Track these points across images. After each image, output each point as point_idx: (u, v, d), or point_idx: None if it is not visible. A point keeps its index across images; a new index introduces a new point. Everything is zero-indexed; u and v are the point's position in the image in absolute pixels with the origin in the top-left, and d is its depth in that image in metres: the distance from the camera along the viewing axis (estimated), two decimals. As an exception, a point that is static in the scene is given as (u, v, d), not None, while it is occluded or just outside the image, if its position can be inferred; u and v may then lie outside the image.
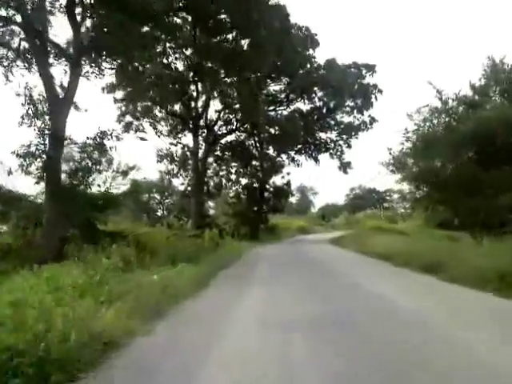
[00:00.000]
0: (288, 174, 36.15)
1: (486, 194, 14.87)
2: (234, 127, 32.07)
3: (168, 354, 4.02)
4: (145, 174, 47.01)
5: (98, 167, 13.58)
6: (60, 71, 13.84)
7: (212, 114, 30.24)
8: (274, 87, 32.85)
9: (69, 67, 13.17)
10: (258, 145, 35.63)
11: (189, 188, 31.32)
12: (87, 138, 13.41)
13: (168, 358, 3.93)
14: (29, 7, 12.67)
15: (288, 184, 36.48)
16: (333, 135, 34.42)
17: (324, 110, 33.43)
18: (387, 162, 19.58)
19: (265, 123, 29.37)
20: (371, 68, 31.63)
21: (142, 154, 73.46)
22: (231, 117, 31.04)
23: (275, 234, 36.67)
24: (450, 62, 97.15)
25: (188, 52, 24.99)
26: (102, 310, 4.55)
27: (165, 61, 24.50)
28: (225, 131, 32.18)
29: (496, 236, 14.46)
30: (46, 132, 12.52)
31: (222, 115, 30.51)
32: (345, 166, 34.19)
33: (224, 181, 35.29)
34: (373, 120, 32.90)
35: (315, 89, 31.83)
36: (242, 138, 34.65)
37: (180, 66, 25.90)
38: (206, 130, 29.86)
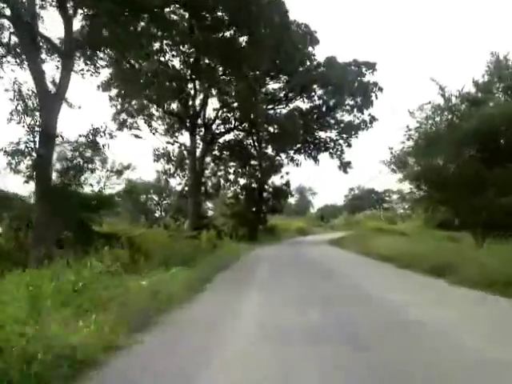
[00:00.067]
0: (287, 173, 35.76)
1: (489, 193, 14.58)
2: (232, 126, 31.62)
3: (153, 375, 3.51)
4: (142, 175, 46.57)
5: (90, 166, 13.08)
6: (52, 67, 13.24)
7: (210, 112, 29.88)
8: (272, 85, 32.50)
9: (60, 62, 12.65)
10: (256, 144, 35.17)
11: (186, 188, 30.81)
12: (79, 135, 12.93)
13: (152, 379, 3.44)
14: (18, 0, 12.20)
15: (287, 184, 35.99)
16: (333, 134, 34.08)
17: (324, 109, 32.99)
18: (389, 161, 19.24)
19: (263, 122, 28.93)
20: (371, 66, 31.23)
21: (140, 155, 73.10)
22: (229, 115, 30.57)
23: (274, 235, 36.21)
24: (452, 59, 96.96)
25: (185, 49, 24.52)
26: (83, 321, 4.05)
27: (162, 59, 24.03)
28: (223, 130, 31.75)
29: (498, 237, 14.23)
30: (37, 129, 12.00)
31: (220, 114, 30.06)
32: (345, 166, 33.79)
33: (222, 181, 34.84)
34: (373, 119, 32.54)
35: (315, 87, 31.40)
36: (240, 137, 34.21)
37: (177, 63, 25.48)
38: (203, 129, 29.40)
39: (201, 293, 7.75)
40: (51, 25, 13.55)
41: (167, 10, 21.66)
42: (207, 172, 33.44)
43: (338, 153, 33.87)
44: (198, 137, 28.63)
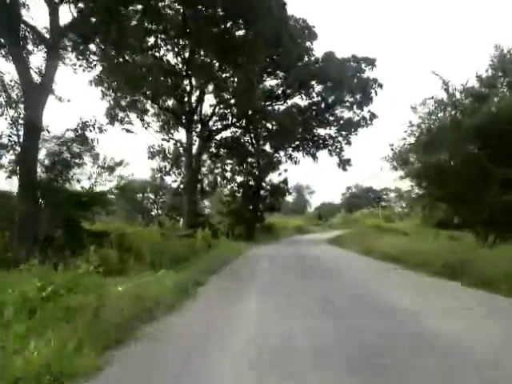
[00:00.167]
0: (285, 170, 35.14)
1: (492, 191, 14.16)
2: (229, 122, 30.95)
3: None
4: (137, 173, 45.83)
5: (78, 161, 12.40)
6: (40, 58, 12.50)
7: (206, 108, 29.21)
8: (270, 82, 31.84)
9: (46, 50, 11.97)
10: (254, 141, 34.57)
11: (181, 186, 30.16)
12: (67, 129, 12.27)
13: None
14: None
15: (285, 181, 35.36)
16: (332, 131, 33.47)
17: (322, 106, 32.37)
18: (390, 157, 18.71)
19: (262, 117, 28.32)
20: (371, 62, 30.62)
21: (135, 152, 72.29)
22: (226, 112, 29.91)
23: (272, 234, 35.65)
24: (453, 52, 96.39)
25: (180, 43, 23.88)
26: (43, 337, 3.42)
27: (156, 54, 23.39)
28: (220, 127, 31.11)
29: (501, 236, 13.76)
30: (21, 122, 11.34)
31: (216, 110, 29.39)
32: (344, 163, 33.21)
33: (219, 178, 34.21)
34: (373, 116, 31.92)
35: (313, 83, 30.76)
36: (237, 134, 33.59)
37: (173, 58, 24.82)
38: (200, 126, 28.73)
39: (192, 298, 7.01)
40: (40, 14, 12.94)
41: (161, 4, 21.19)
42: (204, 169, 32.85)
43: (338, 150, 33.31)
44: (194, 133, 27.97)
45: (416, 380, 3.42)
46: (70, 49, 16.11)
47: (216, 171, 34.08)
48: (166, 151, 30.58)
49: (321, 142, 33.78)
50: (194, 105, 27.30)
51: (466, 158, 15.63)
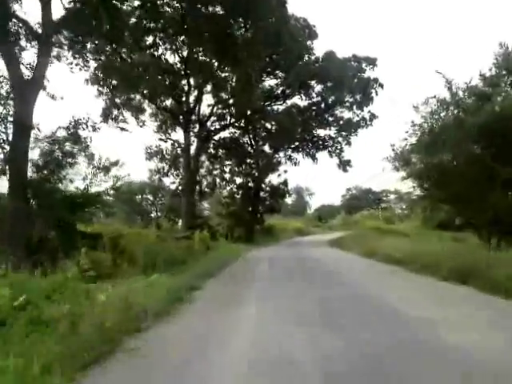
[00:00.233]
0: (285, 171, 34.71)
1: (496, 191, 13.80)
2: (227, 123, 30.54)
3: None
4: (134, 174, 45.34)
5: (70, 160, 11.95)
6: (32, 55, 12.06)
7: (204, 108, 28.77)
8: (269, 82, 31.42)
9: (37, 46, 11.53)
10: (253, 142, 34.15)
11: (180, 187, 29.70)
12: (59, 127, 11.83)
13: None
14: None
15: (285, 183, 34.94)
16: (332, 132, 33.06)
17: (322, 106, 31.96)
18: (393, 157, 18.33)
19: (261, 117, 27.88)
20: (372, 61, 30.24)
21: (133, 154, 71.66)
22: (225, 112, 29.49)
23: (272, 236, 35.21)
24: (455, 51, 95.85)
25: (179, 42, 23.48)
26: (2, 358, 2.92)
27: (155, 53, 22.99)
28: (218, 127, 30.67)
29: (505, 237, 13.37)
30: (10, 119, 10.90)
31: (215, 110, 28.96)
32: (344, 164, 32.77)
33: (218, 180, 33.74)
34: (373, 116, 31.52)
35: (313, 83, 30.36)
36: (236, 134, 33.15)
37: (171, 58, 24.43)
38: (198, 126, 28.29)
39: (185, 305, 6.46)
40: (33, 9, 12.51)
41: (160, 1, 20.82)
42: (202, 171, 32.40)
43: (337, 151, 32.88)
44: (192, 134, 27.53)
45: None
46: (66, 47, 15.76)
47: (215, 172, 33.65)
48: (164, 152, 30.16)
49: (320, 142, 33.37)
50: (192, 105, 26.86)
51: (469, 157, 15.29)
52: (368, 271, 12.45)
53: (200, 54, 23.28)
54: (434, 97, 16.60)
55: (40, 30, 11.91)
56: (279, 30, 21.37)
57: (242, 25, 22.04)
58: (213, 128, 30.31)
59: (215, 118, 29.94)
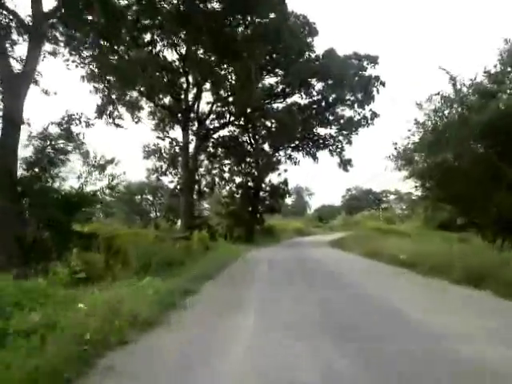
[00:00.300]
0: (285, 170, 34.24)
1: (502, 191, 13.42)
2: (227, 121, 30.07)
3: None
4: (132, 173, 44.93)
5: (63, 157, 11.48)
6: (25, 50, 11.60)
7: (203, 106, 28.32)
8: (269, 80, 30.94)
9: (27, 37, 11.09)
10: (252, 141, 33.69)
11: (178, 186, 29.23)
12: (51, 122, 11.38)
13: None
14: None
15: (285, 182, 34.46)
16: (332, 131, 32.59)
17: (323, 104, 31.47)
18: (396, 156, 17.90)
19: (261, 115, 27.42)
20: (373, 59, 29.76)
21: (130, 153, 71.22)
22: (224, 110, 29.03)
23: (272, 236, 34.73)
24: (457, 48, 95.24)
25: (178, 38, 23.04)
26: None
27: (153, 50, 22.54)
28: (217, 125, 30.22)
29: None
30: (-1, 114, 10.46)
31: (214, 108, 28.51)
32: (345, 163, 32.31)
33: (217, 179, 33.26)
34: (374, 115, 31.04)
35: (314, 80, 29.88)
36: (235, 133, 32.69)
37: (169, 55, 23.97)
38: (196, 124, 27.83)
39: (179, 312, 5.92)
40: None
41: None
42: (201, 170, 31.93)
43: (338, 150, 32.43)
44: (190, 132, 27.04)
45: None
46: (62, 44, 15.33)
47: (214, 171, 33.18)
48: (162, 150, 29.69)
49: (321, 141, 32.90)
50: (190, 102, 26.41)
51: (474, 156, 14.90)
52: (371, 271, 12.01)
53: (199, 51, 22.90)
54: (438, 94, 16.20)
55: (31, 23, 11.50)
56: (279, 26, 20.97)
57: (241, 21, 21.71)
58: (212, 126, 29.93)
59: (214, 116, 29.53)
